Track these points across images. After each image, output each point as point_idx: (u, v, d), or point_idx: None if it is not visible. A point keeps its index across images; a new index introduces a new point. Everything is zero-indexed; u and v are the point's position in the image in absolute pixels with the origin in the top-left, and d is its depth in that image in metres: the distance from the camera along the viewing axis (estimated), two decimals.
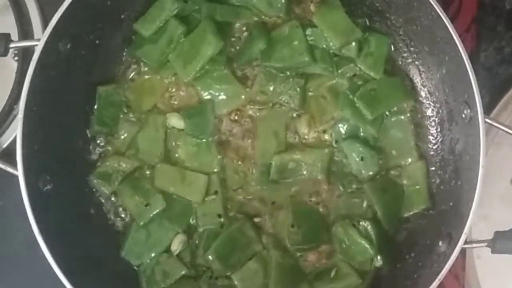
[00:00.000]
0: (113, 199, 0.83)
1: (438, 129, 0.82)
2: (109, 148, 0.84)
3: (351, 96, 0.82)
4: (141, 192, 0.81)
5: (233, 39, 0.84)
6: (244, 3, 0.83)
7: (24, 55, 0.88)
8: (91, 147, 0.83)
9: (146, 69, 0.84)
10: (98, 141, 0.84)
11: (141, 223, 0.80)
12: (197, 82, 0.83)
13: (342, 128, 0.83)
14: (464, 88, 0.72)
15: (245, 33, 0.84)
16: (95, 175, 0.82)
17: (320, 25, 0.81)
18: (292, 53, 0.81)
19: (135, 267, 0.81)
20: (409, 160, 0.83)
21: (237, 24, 0.84)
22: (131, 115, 0.84)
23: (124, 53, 0.85)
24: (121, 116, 0.84)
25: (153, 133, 0.83)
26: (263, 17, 0.84)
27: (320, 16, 0.81)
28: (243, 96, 0.83)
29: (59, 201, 0.76)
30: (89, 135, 0.83)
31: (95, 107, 0.83)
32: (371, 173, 0.82)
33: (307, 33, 0.81)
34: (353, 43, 0.81)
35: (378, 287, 0.80)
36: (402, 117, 0.83)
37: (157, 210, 0.80)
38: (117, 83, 0.84)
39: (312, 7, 0.84)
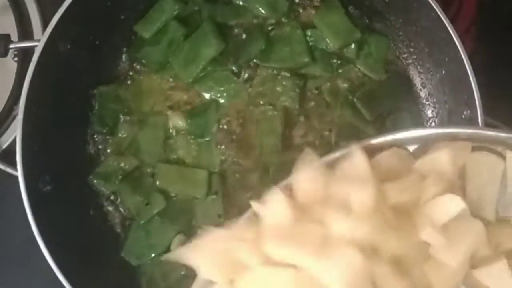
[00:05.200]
0: (113, 199, 0.83)
1: None
2: (109, 148, 0.84)
3: (350, 97, 0.82)
4: (141, 191, 0.81)
5: (233, 39, 0.84)
6: (245, 5, 0.83)
7: (24, 55, 0.88)
8: (91, 147, 0.84)
9: (146, 70, 0.84)
10: (98, 141, 0.84)
11: (141, 222, 0.80)
12: (198, 83, 0.83)
13: (342, 129, 0.83)
14: (464, 89, 0.72)
15: (245, 34, 0.84)
16: (95, 175, 0.82)
17: (320, 26, 0.81)
18: (291, 53, 0.82)
19: (135, 268, 0.81)
20: None
21: (237, 25, 0.84)
22: (131, 115, 0.84)
23: (124, 54, 0.85)
24: (121, 116, 0.83)
25: (153, 133, 0.83)
26: (263, 18, 0.84)
27: (320, 17, 0.82)
28: (243, 97, 0.83)
29: (59, 201, 0.76)
30: (89, 135, 0.83)
31: (95, 107, 0.83)
32: None
33: (307, 33, 0.82)
34: (353, 44, 0.81)
35: None
36: (402, 118, 0.83)
37: (158, 209, 0.80)
38: (117, 83, 0.84)
39: (312, 8, 0.84)
